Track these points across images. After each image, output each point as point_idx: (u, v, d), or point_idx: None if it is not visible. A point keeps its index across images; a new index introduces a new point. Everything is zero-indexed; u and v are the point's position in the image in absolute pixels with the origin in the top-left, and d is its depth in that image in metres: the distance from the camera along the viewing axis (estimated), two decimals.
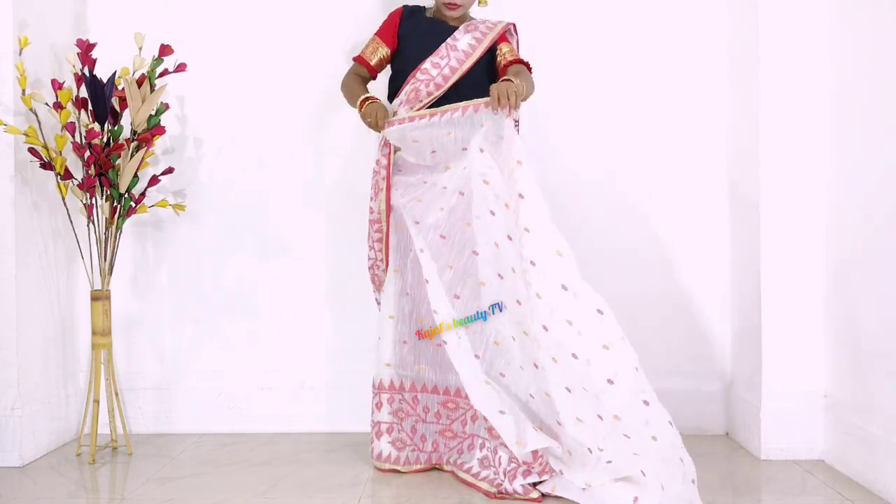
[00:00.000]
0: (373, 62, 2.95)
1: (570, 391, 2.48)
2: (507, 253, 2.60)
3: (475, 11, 2.99)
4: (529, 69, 2.85)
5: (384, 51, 2.94)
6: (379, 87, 3.04)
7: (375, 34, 2.96)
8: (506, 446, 2.61)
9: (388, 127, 2.76)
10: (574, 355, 2.45)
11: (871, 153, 2.61)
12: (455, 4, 2.84)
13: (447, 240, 2.74)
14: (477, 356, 2.68)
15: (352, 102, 2.90)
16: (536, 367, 2.56)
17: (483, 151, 2.67)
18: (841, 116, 2.79)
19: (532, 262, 2.51)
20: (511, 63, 2.85)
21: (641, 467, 2.36)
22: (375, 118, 2.77)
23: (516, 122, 2.74)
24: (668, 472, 2.36)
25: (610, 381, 2.41)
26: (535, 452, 2.55)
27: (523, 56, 2.91)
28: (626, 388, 2.40)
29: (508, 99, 2.57)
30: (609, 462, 2.42)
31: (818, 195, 2.89)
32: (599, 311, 2.46)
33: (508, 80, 2.66)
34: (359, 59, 2.97)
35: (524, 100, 2.69)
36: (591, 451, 2.46)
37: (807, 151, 2.89)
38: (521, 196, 2.55)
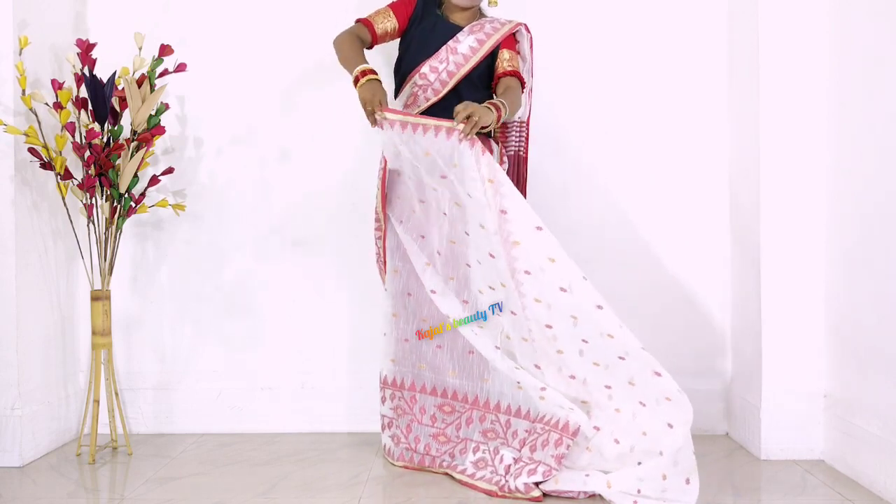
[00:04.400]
0: (378, 30, 2.84)
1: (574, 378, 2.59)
2: (492, 267, 2.62)
3: (486, 11, 2.98)
4: (522, 84, 2.86)
5: (393, 24, 2.86)
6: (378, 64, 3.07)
7: (389, 5, 2.88)
8: (508, 445, 2.62)
9: (382, 121, 2.63)
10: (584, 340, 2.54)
11: (872, 153, 2.61)
12: None
13: (442, 255, 2.76)
14: (497, 347, 2.69)
15: (347, 67, 2.75)
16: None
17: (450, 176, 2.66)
18: (841, 116, 2.79)
19: (526, 272, 2.55)
20: (505, 74, 2.83)
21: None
22: (373, 102, 2.62)
23: (519, 133, 2.88)
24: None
25: (621, 358, 2.50)
26: (570, 430, 2.54)
27: (535, 57, 2.89)
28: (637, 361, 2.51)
29: (467, 124, 2.55)
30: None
31: (818, 194, 2.89)
32: (599, 307, 2.50)
33: (474, 104, 2.62)
34: (365, 21, 2.85)
35: (506, 119, 2.71)
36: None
37: (807, 151, 2.89)
38: (503, 212, 2.58)
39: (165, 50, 2.96)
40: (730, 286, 3.25)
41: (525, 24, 2.91)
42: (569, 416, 2.53)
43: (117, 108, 2.97)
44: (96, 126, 2.91)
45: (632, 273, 3.26)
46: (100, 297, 2.99)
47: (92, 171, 2.88)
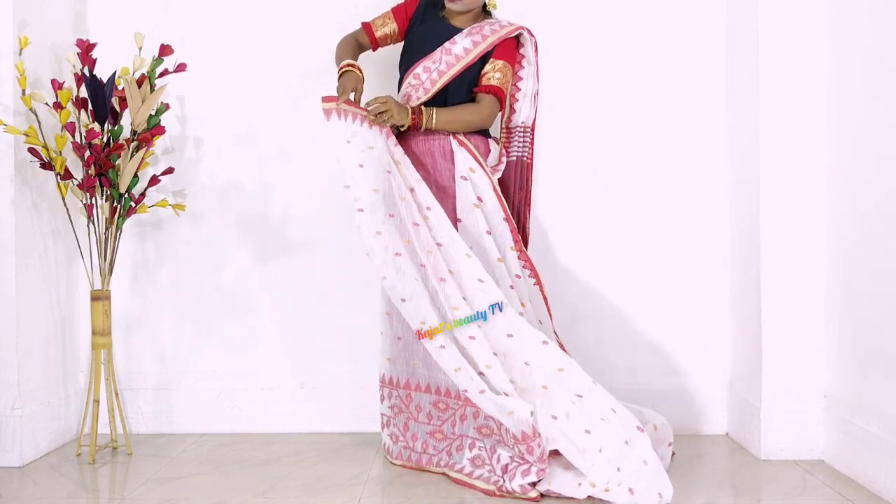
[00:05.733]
0: (377, 34, 2.94)
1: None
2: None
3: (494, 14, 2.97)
4: (501, 100, 2.83)
5: (392, 27, 2.92)
6: (379, 61, 3.10)
7: (391, 9, 2.95)
8: (504, 444, 2.62)
9: (330, 107, 2.66)
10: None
11: (872, 153, 2.61)
12: None
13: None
14: (495, 353, 2.67)
15: (337, 64, 2.85)
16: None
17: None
18: (841, 116, 2.79)
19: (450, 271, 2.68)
20: (481, 90, 2.82)
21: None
22: (345, 90, 2.68)
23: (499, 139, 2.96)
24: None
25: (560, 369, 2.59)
26: (529, 434, 2.54)
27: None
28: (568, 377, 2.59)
29: (377, 115, 2.67)
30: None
31: (818, 194, 2.89)
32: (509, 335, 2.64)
33: (394, 101, 2.70)
34: (365, 25, 2.96)
35: (435, 128, 2.76)
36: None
37: (807, 151, 2.89)
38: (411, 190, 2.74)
39: (165, 50, 2.96)
40: (730, 286, 3.25)
41: (528, 29, 2.90)
42: (514, 427, 2.54)
43: (117, 108, 2.97)
44: (96, 126, 2.91)
45: (631, 273, 3.26)
46: (100, 297, 2.99)
47: (92, 171, 2.88)
